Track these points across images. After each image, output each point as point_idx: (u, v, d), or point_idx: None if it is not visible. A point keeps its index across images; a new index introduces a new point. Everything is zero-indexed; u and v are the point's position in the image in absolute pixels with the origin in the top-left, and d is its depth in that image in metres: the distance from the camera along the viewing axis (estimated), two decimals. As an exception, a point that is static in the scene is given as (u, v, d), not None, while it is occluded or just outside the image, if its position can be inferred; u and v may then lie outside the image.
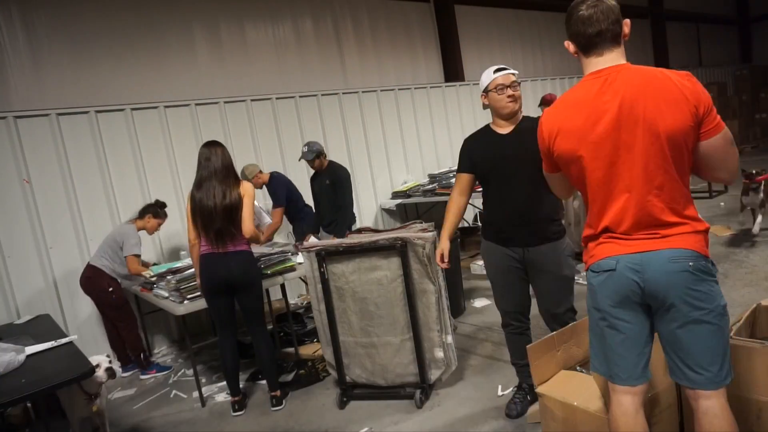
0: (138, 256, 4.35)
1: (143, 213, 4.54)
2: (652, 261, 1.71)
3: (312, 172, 5.23)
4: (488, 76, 2.69)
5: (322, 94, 6.56)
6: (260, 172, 5.26)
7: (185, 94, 5.78)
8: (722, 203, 7.47)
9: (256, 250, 4.18)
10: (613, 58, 1.76)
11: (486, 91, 2.71)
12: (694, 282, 1.68)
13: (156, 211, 4.56)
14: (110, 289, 4.33)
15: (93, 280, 4.37)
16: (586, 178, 1.79)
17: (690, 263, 1.68)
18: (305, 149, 4.90)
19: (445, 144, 7.78)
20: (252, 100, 5.95)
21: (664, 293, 1.70)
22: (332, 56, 7.47)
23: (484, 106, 2.77)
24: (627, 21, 1.77)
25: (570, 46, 1.84)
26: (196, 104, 5.56)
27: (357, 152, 6.80)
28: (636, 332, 1.79)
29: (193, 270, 3.82)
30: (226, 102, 5.76)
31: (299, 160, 5.08)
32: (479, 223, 7.35)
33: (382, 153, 7.10)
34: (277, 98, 6.13)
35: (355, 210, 5.13)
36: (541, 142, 1.92)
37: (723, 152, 1.74)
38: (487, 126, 2.83)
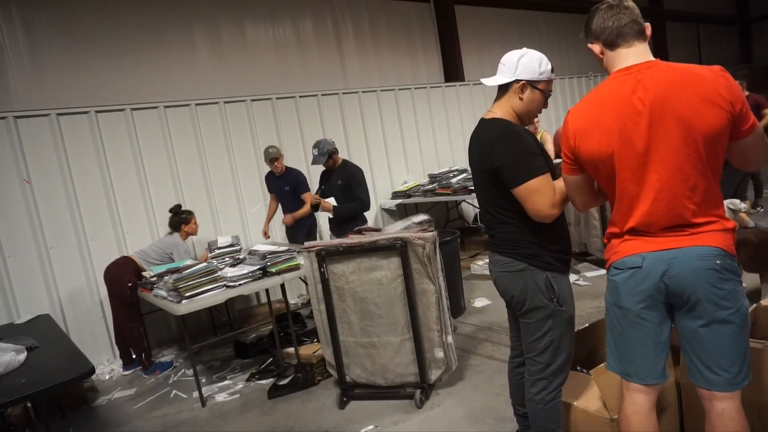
0: None
1: (177, 226, 4.74)
2: (680, 258, 1.68)
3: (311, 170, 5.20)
4: (546, 68, 2.13)
5: (322, 94, 6.56)
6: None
7: (185, 94, 5.78)
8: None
9: (263, 248, 4.18)
10: (641, 51, 1.71)
11: (533, 83, 2.12)
12: (720, 281, 1.66)
13: (185, 218, 4.77)
14: (129, 284, 4.37)
15: (122, 267, 4.44)
16: (616, 177, 1.74)
17: (717, 261, 1.66)
18: (315, 152, 4.60)
19: (445, 144, 7.78)
20: (252, 100, 5.95)
21: (690, 291, 1.67)
22: (332, 56, 7.47)
23: (521, 94, 2.13)
24: (647, 24, 1.75)
25: (595, 46, 1.78)
26: (196, 104, 5.56)
27: (357, 152, 6.80)
28: (658, 331, 1.77)
29: (191, 270, 3.83)
30: (226, 102, 5.76)
31: (312, 164, 4.79)
32: (479, 224, 7.40)
33: (382, 153, 7.10)
34: (277, 98, 6.13)
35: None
36: (565, 142, 1.85)
37: (756, 148, 1.71)
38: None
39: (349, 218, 4.54)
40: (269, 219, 5.52)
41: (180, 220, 4.76)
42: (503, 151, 2.06)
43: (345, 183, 4.54)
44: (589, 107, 1.79)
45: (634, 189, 1.72)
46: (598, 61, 1.82)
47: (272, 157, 5.15)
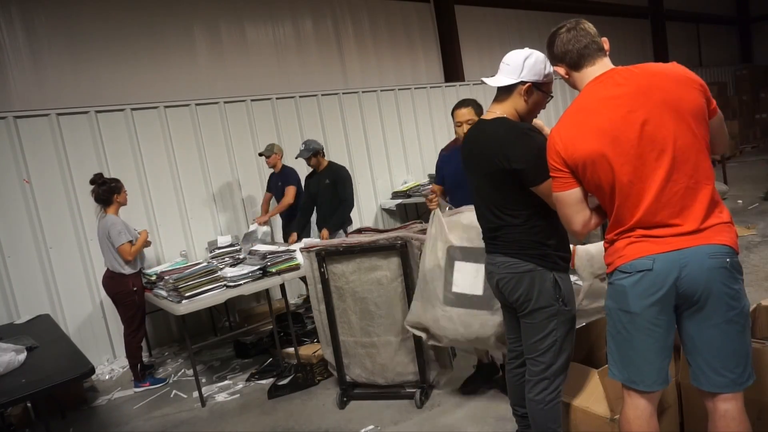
0: (130, 242, 4.06)
1: (109, 198, 4.09)
2: (691, 257, 1.65)
3: (304, 172, 5.24)
4: (549, 69, 2.10)
5: (322, 94, 6.56)
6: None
7: (185, 94, 5.78)
8: (740, 201, 7.20)
9: (262, 248, 4.17)
10: (605, 65, 1.81)
11: (538, 85, 2.12)
12: (730, 280, 1.65)
13: (116, 187, 4.14)
14: (134, 288, 4.13)
15: (116, 281, 4.14)
16: (614, 173, 1.70)
17: (727, 259, 1.65)
18: (302, 147, 4.93)
19: (446, 144, 7.77)
20: (252, 100, 5.95)
21: (701, 291, 1.65)
22: (332, 56, 7.47)
23: (527, 96, 2.12)
24: (605, 39, 1.85)
25: (560, 68, 1.88)
26: (196, 104, 5.56)
27: (357, 152, 6.80)
28: (665, 335, 1.74)
29: (191, 270, 3.82)
30: (226, 102, 5.76)
31: (296, 158, 5.08)
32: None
33: (382, 153, 7.10)
34: (277, 98, 6.13)
35: (353, 210, 5.12)
36: (554, 156, 1.82)
37: (721, 129, 1.81)
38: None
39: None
40: (265, 211, 5.58)
41: (110, 189, 4.06)
42: (521, 151, 2.02)
43: (332, 182, 4.88)
44: (572, 118, 1.82)
45: (637, 182, 1.69)
46: (565, 81, 1.91)
47: (264, 154, 5.35)
